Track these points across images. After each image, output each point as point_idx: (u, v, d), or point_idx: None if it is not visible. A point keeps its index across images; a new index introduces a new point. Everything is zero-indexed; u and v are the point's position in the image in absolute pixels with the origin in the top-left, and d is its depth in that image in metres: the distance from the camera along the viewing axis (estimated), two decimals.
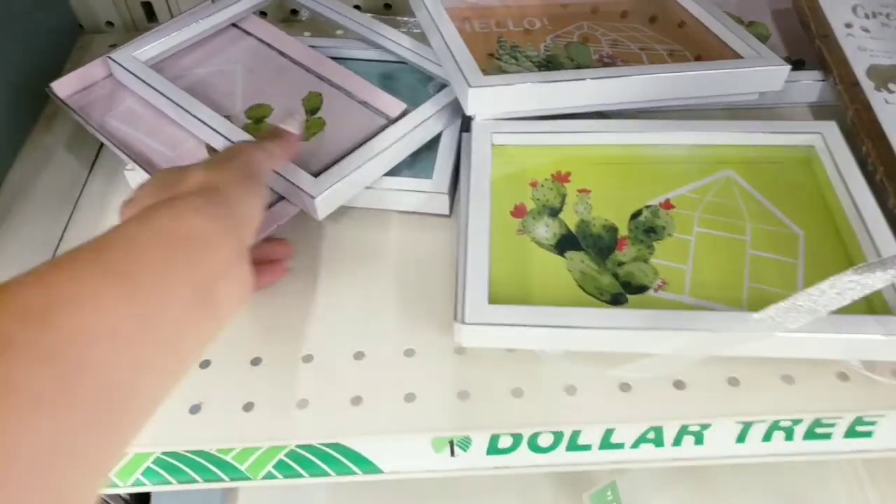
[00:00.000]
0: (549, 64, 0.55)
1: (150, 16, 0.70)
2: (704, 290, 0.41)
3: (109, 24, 0.71)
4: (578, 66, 0.55)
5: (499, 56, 0.56)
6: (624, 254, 0.44)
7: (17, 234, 0.52)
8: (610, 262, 0.44)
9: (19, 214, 0.53)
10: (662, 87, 0.50)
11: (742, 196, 0.47)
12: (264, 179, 0.39)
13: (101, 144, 0.58)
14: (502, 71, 0.54)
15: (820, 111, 0.56)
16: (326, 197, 0.45)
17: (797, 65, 0.59)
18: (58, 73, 0.65)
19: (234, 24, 0.61)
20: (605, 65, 0.56)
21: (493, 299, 0.39)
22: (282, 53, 0.58)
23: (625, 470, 0.75)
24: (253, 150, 0.40)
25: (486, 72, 0.51)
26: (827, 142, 0.47)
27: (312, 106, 0.54)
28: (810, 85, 0.55)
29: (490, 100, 0.49)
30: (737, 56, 0.53)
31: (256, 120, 0.53)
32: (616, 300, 0.41)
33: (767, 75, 0.51)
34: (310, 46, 0.58)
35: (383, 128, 0.50)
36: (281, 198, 0.47)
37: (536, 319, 0.38)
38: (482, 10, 0.62)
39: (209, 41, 0.60)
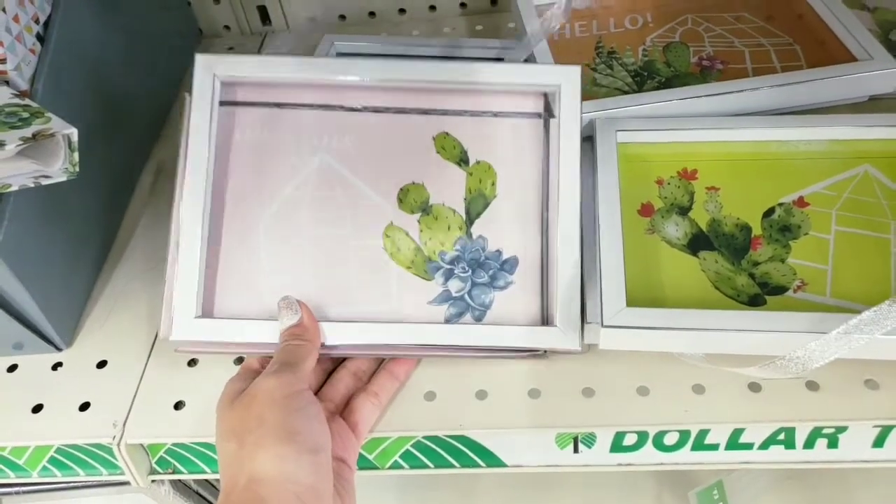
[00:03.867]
0: (644, 72, 0.55)
1: (265, 19, 0.73)
2: (847, 290, 0.40)
3: (226, 27, 0.74)
4: (675, 73, 0.55)
5: (594, 66, 0.57)
6: (759, 253, 0.43)
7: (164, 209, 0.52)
8: (745, 262, 0.43)
9: (163, 194, 0.57)
10: (759, 100, 0.50)
11: (883, 192, 0.45)
12: (301, 423, 0.37)
13: None
14: (595, 84, 0.55)
15: None
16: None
17: None
18: (182, 76, 0.68)
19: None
20: (703, 68, 0.55)
21: (630, 302, 0.39)
22: (366, 110, 0.47)
23: (732, 469, 0.74)
24: (275, 388, 0.38)
25: None
26: None
27: (455, 156, 0.46)
28: None
29: None
30: (850, 56, 0.51)
31: (423, 209, 0.45)
32: (754, 301, 0.41)
33: (879, 78, 0.50)
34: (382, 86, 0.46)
35: (546, 127, 0.45)
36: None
37: (676, 322, 0.38)
38: (583, 12, 0.62)
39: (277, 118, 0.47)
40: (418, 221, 0.45)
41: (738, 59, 0.55)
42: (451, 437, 0.43)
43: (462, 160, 0.46)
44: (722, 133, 0.48)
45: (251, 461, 0.35)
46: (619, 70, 0.56)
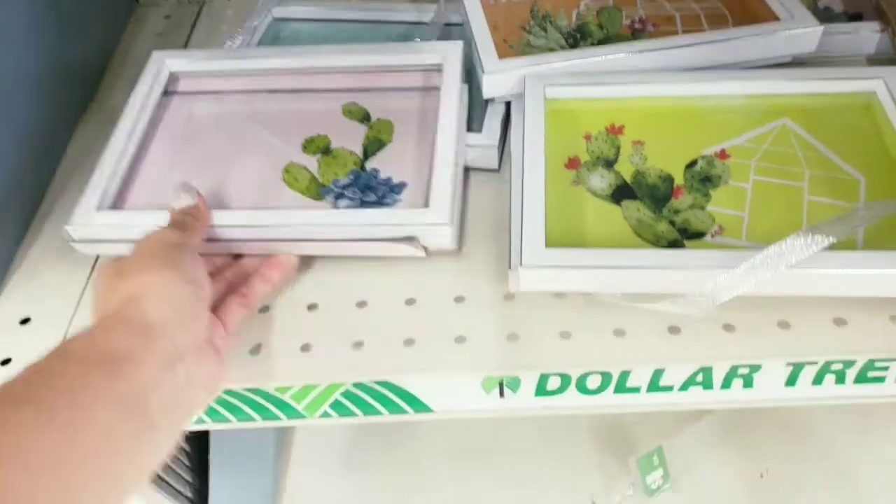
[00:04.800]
0: (577, 34, 0.56)
1: None
2: (762, 234, 0.41)
3: None
4: (607, 35, 0.56)
5: (529, 29, 0.57)
6: (680, 202, 0.44)
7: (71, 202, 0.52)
8: (666, 210, 0.44)
9: (78, 178, 0.55)
10: (685, 58, 0.51)
11: (799, 144, 0.46)
12: (185, 261, 0.38)
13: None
14: (529, 45, 0.55)
15: (877, 63, 0.54)
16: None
17: (855, 18, 0.59)
18: (115, 45, 0.67)
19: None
20: (635, 31, 0.56)
21: (550, 243, 0.40)
22: (278, 91, 0.54)
23: (671, 437, 0.75)
24: (165, 235, 0.40)
25: (513, 47, 0.54)
26: (889, 87, 0.46)
27: (359, 117, 0.52)
28: (868, 37, 0.55)
29: (504, 84, 0.51)
30: (773, 16, 0.52)
31: (323, 151, 0.50)
32: (673, 246, 0.42)
33: (799, 37, 0.51)
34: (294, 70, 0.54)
35: (438, 94, 0.50)
36: None
37: (594, 261, 0.39)
38: None
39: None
40: (318, 161, 0.49)
41: (669, 23, 0.56)
42: (378, 383, 0.43)
43: (365, 118, 0.51)
44: (647, 88, 0.49)
45: (133, 281, 0.35)
46: (553, 32, 0.57)
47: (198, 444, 0.74)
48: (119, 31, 0.69)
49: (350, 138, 0.50)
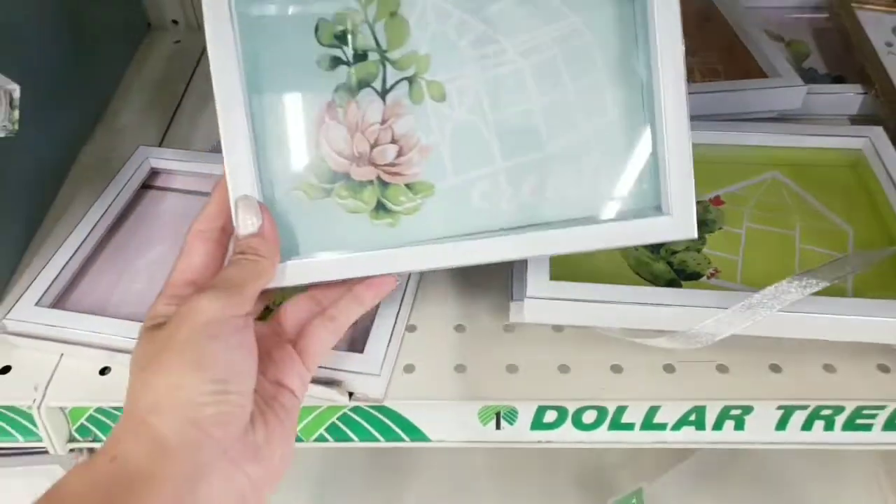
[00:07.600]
0: None
1: None
2: (756, 278, 0.43)
3: (175, 21, 0.75)
4: None
5: None
6: (676, 243, 0.46)
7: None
8: (664, 251, 0.46)
9: (98, 182, 0.54)
10: None
11: (790, 195, 0.49)
12: (216, 354, 0.31)
13: (169, 121, 0.63)
14: None
15: (860, 122, 0.57)
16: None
17: (838, 80, 0.62)
18: (125, 68, 0.69)
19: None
20: None
21: (555, 276, 0.41)
22: None
23: (651, 480, 0.76)
24: (201, 313, 0.32)
25: None
26: (875, 145, 0.49)
27: None
28: (852, 98, 0.58)
29: None
30: (763, 74, 0.56)
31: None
32: (671, 285, 0.43)
33: (785, 94, 0.55)
34: None
35: None
36: None
37: (597, 295, 0.40)
38: None
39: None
40: None
41: None
42: (374, 409, 0.43)
43: None
44: None
45: (146, 388, 0.31)
46: None
47: None
48: (130, 54, 0.71)
49: None
